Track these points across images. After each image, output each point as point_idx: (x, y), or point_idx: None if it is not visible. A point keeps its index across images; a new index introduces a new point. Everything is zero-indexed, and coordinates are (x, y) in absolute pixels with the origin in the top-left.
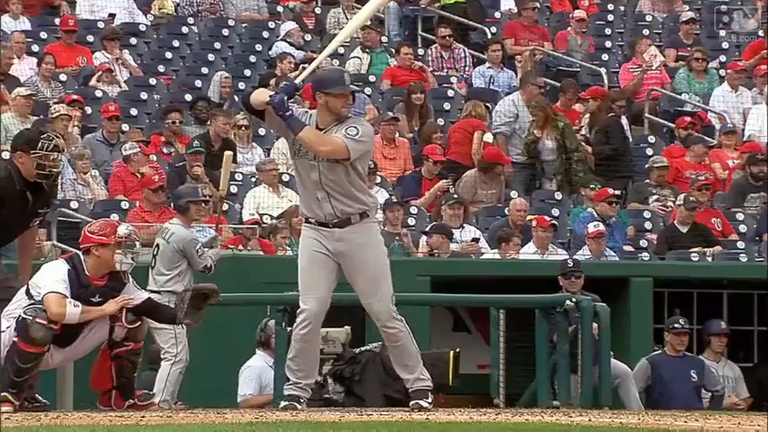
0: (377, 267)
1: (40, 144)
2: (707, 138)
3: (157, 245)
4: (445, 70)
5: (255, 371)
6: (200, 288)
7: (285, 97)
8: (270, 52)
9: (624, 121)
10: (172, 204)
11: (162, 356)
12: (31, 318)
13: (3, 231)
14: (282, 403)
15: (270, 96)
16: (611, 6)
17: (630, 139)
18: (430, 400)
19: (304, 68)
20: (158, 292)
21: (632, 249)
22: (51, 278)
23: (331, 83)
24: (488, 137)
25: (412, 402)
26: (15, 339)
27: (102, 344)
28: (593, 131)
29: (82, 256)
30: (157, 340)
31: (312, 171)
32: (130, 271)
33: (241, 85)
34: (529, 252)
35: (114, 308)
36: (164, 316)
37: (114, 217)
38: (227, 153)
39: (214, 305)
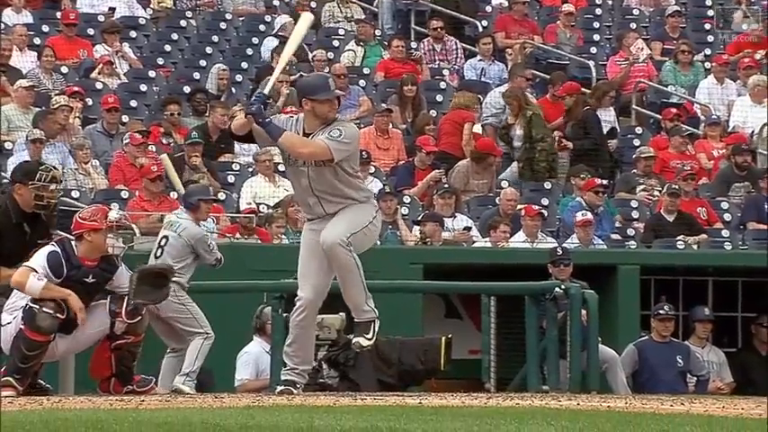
0: (347, 216)
1: (38, 176)
2: (692, 128)
3: (166, 237)
4: (437, 63)
5: (252, 356)
6: (148, 269)
7: (261, 106)
8: (262, 48)
9: (612, 113)
10: (182, 201)
11: (189, 338)
12: (38, 307)
13: (1, 263)
14: (279, 388)
15: (246, 109)
16: (598, 0)
17: (618, 130)
18: (370, 335)
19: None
20: None
21: (620, 238)
22: (33, 259)
23: (316, 89)
24: (477, 128)
25: (353, 340)
26: (22, 327)
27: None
28: (570, 125)
29: (74, 242)
30: (178, 328)
31: (302, 177)
32: (122, 255)
33: (238, 78)
34: (519, 240)
35: (76, 305)
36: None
37: (115, 206)
38: (162, 156)
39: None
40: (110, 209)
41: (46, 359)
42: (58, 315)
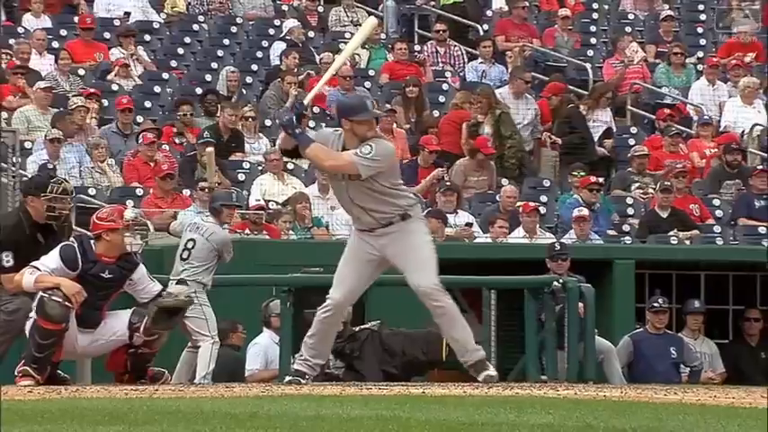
0: (419, 251)
1: (50, 188)
2: (685, 128)
3: (192, 239)
4: (440, 65)
5: (262, 347)
6: (168, 305)
7: (294, 117)
8: (271, 51)
9: (608, 113)
10: (206, 206)
11: (195, 338)
12: (47, 296)
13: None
14: (287, 378)
15: (280, 121)
16: (595, 5)
17: (614, 130)
18: (491, 369)
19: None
20: (185, 282)
21: (615, 233)
22: (42, 257)
23: (355, 110)
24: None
25: (481, 377)
26: (35, 317)
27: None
28: (556, 123)
29: (93, 240)
30: (190, 328)
31: (342, 190)
32: (141, 251)
33: (248, 80)
34: (518, 236)
35: (71, 290)
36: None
37: (129, 203)
38: (209, 149)
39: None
40: (125, 208)
41: (68, 356)
42: (68, 303)
